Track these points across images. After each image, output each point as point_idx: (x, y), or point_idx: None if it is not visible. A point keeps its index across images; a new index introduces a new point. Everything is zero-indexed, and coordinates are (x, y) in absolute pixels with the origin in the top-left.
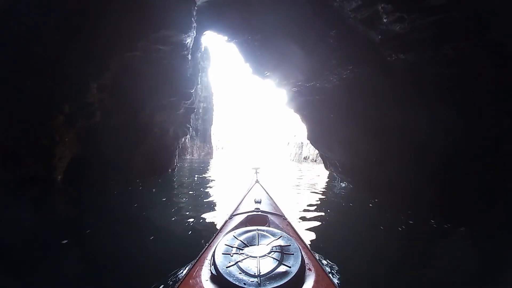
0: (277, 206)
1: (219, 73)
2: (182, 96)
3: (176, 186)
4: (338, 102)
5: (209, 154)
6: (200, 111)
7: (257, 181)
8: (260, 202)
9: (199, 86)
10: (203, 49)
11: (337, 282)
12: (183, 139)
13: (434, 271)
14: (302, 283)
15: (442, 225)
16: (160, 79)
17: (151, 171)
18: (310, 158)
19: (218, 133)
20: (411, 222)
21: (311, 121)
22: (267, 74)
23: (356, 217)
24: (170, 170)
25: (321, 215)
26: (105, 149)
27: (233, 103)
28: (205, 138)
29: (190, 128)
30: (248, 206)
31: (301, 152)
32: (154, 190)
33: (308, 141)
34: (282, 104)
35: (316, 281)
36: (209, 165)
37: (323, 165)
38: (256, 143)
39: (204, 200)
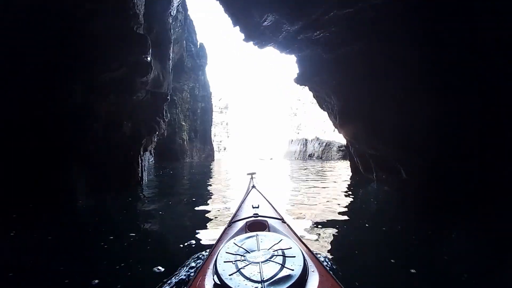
0: (275, 210)
1: (219, 71)
2: (132, 67)
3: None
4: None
5: (210, 156)
6: (199, 111)
7: (253, 187)
8: (258, 207)
9: (196, 85)
10: (198, 45)
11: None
12: (154, 140)
13: None
14: (306, 285)
15: None
16: (83, 37)
17: (94, 189)
18: (315, 155)
19: (220, 133)
20: None
21: (349, 97)
22: (266, 23)
23: None
24: (133, 184)
25: None
26: (9, 160)
27: (235, 101)
28: (205, 140)
29: (162, 123)
30: (247, 212)
31: (305, 150)
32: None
33: (313, 138)
34: (291, 84)
35: (320, 282)
36: (207, 171)
37: (329, 162)
38: (259, 142)
39: None
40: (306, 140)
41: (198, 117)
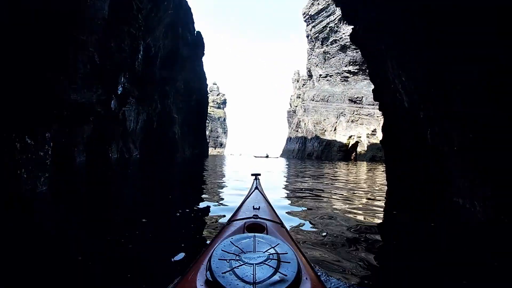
0: (276, 214)
1: (218, 65)
2: None
3: None
4: None
5: (204, 151)
6: (193, 104)
7: (256, 188)
8: (258, 209)
9: (191, 76)
10: (195, 33)
11: None
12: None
13: None
14: None
15: None
16: None
17: None
18: (315, 155)
19: (216, 129)
20: None
21: None
22: None
23: None
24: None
25: None
26: None
27: (234, 97)
28: (199, 134)
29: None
30: (247, 213)
31: (304, 148)
32: None
33: (312, 137)
34: (292, 81)
35: None
36: (197, 175)
37: (330, 163)
38: (257, 138)
39: None
40: (305, 138)
41: (192, 110)
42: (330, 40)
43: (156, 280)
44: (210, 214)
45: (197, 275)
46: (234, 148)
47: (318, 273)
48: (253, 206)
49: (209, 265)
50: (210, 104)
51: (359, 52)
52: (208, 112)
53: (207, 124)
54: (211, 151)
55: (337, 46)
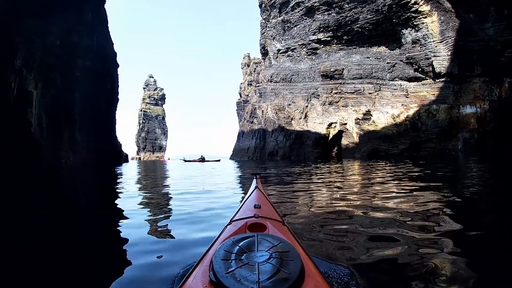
0: (277, 212)
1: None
2: None
3: None
4: None
5: (115, 156)
6: (78, 74)
7: (256, 187)
8: (259, 208)
9: (76, 29)
10: None
11: None
12: None
13: None
14: None
15: None
16: None
17: None
18: (280, 153)
19: (154, 129)
20: None
21: None
22: None
23: None
24: None
25: None
26: None
27: (174, 91)
28: (100, 130)
29: None
30: (248, 212)
31: (263, 145)
32: None
33: (275, 128)
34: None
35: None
36: None
37: (308, 166)
38: (203, 138)
39: None
40: (264, 131)
41: (78, 86)
42: (291, 5)
43: (159, 283)
44: (209, 214)
45: (200, 276)
46: (176, 151)
47: (321, 270)
48: (254, 205)
49: (211, 265)
50: (146, 100)
51: (333, 14)
52: (144, 109)
53: (143, 125)
54: (149, 156)
55: (301, 10)
